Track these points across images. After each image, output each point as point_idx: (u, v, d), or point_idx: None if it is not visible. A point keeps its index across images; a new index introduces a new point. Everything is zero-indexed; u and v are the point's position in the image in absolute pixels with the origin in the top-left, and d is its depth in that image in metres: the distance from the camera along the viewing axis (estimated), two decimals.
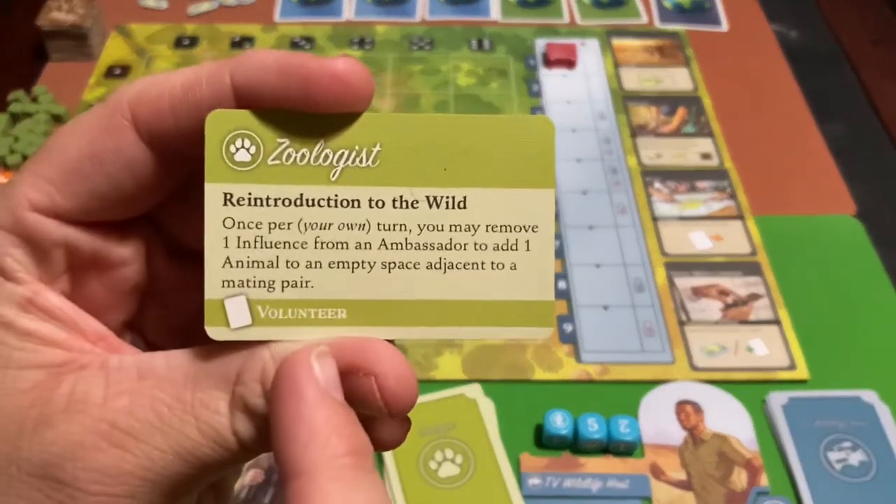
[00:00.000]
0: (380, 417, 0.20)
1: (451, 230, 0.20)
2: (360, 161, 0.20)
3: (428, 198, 0.20)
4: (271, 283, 0.20)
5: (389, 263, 0.20)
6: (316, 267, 0.20)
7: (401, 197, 0.20)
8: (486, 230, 0.21)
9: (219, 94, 0.20)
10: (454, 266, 0.20)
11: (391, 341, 0.20)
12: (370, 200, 0.20)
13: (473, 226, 0.20)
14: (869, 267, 0.62)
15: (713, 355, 0.56)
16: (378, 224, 0.20)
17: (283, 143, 0.20)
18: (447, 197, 0.20)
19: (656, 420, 0.53)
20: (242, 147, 0.20)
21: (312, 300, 0.20)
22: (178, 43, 0.79)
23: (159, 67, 0.77)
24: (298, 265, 0.20)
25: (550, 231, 0.21)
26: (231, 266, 0.20)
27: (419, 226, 0.20)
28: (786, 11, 0.86)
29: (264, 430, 0.20)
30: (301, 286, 0.20)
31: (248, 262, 0.20)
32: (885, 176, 0.70)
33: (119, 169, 0.20)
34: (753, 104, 0.75)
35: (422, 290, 0.20)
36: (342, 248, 0.20)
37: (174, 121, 0.20)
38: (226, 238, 0.20)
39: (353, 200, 0.20)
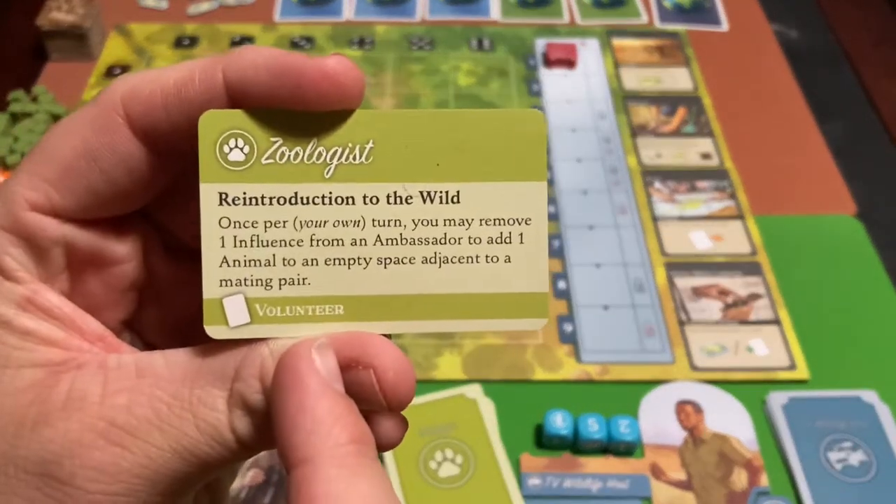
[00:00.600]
0: (378, 412, 0.20)
1: (445, 224, 0.21)
2: (354, 158, 0.20)
3: (421, 193, 0.20)
4: (268, 281, 0.20)
5: (385, 259, 0.20)
6: (312, 264, 0.20)
7: (395, 193, 0.20)
8: (480, 224, 0.21)
9: (211, 92, 0.20)
10: (449, 260, 0.21)
11: (388, 336, 0.21)
12: (364, 197, 0.20)
13: (467, 220, 0.21)
14: (869, 267, 0.62)
15: (713, 355, 0.56)
16: (373, 220, 0.20)
17: (277, 141, 0.20)
18: (440, 192, 0.21)
19: (656, 420, 0.52)
20: (236, 147, 0.20)
21: (310, 297, 0.20)
22: (178, 43, 0.79)
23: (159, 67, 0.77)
24: (295, 263, 0.20)
25: (543, 223, 0.21)
26: (228, 265, 0.20)
27: (413, 221, 0.20)
28: (786, 11, 0.86)
29: (262, 428, 0.20)
30: (298, 283, 0.20)
31: (244, 260, 0.20)
32: (885, 176, 0.70)
33: (114, 165, 0.20)
34: (753, 104, 0.75)
35: (418, 285, 0.21)
36: (338, 244, 0.20)
37: (167, 117, 0.20)
38: (222, 238, 0.20)
39: (347, 197, 0.20)
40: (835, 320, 0.59)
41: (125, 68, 0.76)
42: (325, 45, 0.80)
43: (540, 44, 0.80)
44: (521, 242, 0.21)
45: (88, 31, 0.75)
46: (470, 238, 0.21)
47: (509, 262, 0.21)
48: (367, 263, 0.20)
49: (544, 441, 0.51)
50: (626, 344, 0.57)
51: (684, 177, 0.68)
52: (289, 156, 0.20)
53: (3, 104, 0.71)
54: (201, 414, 0.19)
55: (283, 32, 0.81)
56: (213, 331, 0.20)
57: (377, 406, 0.20)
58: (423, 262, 0.21)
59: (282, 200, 0.20)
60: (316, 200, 0.20)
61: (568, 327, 0.57)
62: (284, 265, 0.20)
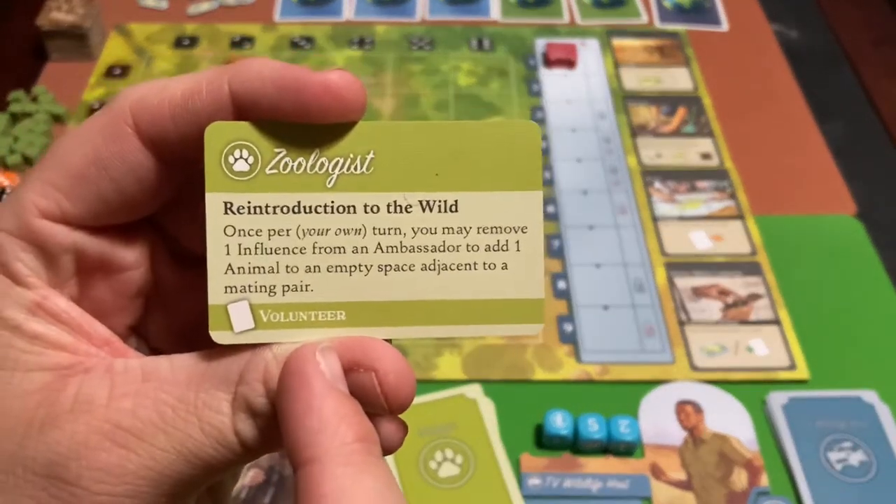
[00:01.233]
0: (379, 415, 0.20)
1: (443, 233, 0.21)
2: (355, 168, 0.21)
3: (421, 202, 0.21)
4: (272, 287, 0.21)
5: (386, 266, 0.21)
6: (315, 271, 0.21)
7: (395, 202, 0.21)
8: (478, 232, 0.21)
9: (217, 103, 0.20)
10: (448, 267, 0.21)
11: (389, 340, 0.21)
12: (365, 206, 0.21)
13: (465, 228, 0.21)
14: (869, 267, 0.62)
15: (713, 355, 0.56)
16: (374, 228, 0.21)
17: (280, 152, 0.20)
18: (439, 201, 0.21)
19: (656, 420, 0.53)
20: (241, 157, 0.20)
21: (312, 303, 0.21)
22: (178, 43, 0.79)
23: (159, 67, 0.77)
24: (298, 270, 0.21)
25: (539, 231, 0.21)
26: (233, 272, 0.21)
27: (413, 229, 0.21)
28: (786, 11, 0.86)
29: (265, 431, 0.20)
30: (301, 290, 0.21)
31: (249, 268, 0.21)
32: (885, 176, 0.71)
33: (124, 174, 0.21)
34: (753, 104, 0.75)
35: (417, 291, 0.21)
36: (340, 252, 0.21)
37: (175, 128, 0.20)
38: (227, 245, 0.20)
39: (348, 206, 0.21)
40: (835, 320, 0.59)
41: (125, 68, 0.76)
42: (325, 45, 0.80)
43: (540, 44, 0.80)
44: (518, 250, 0.21)
45: (88, 31, 0.75)
46: (468, 246, 0.21)
47: (506, 269, 0.21)
48: (368, 270, 0.21)
49: (544, 441, 0.51)
50: (626, 344, 0.57)
51: (684, 177, 0.68)
52: (292, 166, 0.20)
53: (3, 104, 0.71)
54: (206, 417, 0.20)
55: (283, 32, 0.81)
56: (218, 336, 0.20)
57: (378, 408, 0.20)
58: (422, 270, 0.21)
59: (285, 209, 0.21)
60: (318, 209, 0.21)
61: (568, 327, 0.58)
62: (288, 272, 0.21)
